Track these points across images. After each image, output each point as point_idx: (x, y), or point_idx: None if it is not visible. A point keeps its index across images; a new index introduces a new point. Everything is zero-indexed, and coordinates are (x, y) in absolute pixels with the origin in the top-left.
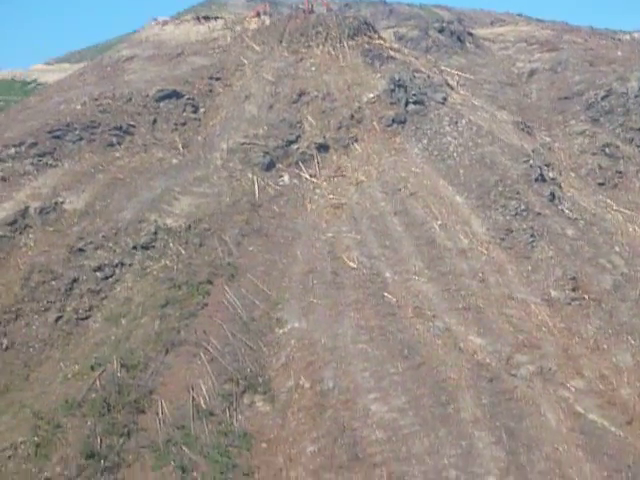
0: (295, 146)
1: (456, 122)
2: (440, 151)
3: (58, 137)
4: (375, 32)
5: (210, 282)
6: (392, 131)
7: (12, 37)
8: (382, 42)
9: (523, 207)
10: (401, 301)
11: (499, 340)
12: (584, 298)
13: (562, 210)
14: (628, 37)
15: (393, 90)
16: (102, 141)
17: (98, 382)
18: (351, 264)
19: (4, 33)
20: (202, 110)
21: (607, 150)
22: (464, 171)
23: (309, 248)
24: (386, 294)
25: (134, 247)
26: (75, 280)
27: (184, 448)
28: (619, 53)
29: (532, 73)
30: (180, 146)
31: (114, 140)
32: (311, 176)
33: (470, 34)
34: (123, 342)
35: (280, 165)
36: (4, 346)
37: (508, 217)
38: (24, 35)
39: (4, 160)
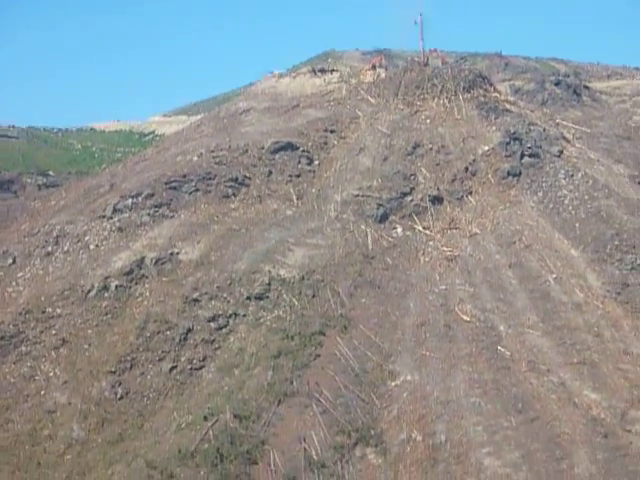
0: (409, 198)
1: (572, 175)
2: (555, 204)
3: (174, 188)
4: (491, 85)
5: (322, 333)
6: (507, 184)
7: (131, 89)
8: (498, 95)
9: (639, 261)
10: (515, 355)
11: (614, 395)
12: None
13: None
14: None
15: (508, 143)
16: (218, 192)
17: (211, 432)
18: (464, 317)
19: (123, 84)
20: (317, 162)
21: None
22: (580, 224)
23: (422, 300)
24: (500, 347)
25: (248, 298)
26: (189, 330)
27: None
28: None
29: None
30: (294, 198)
31: (229, 191)
32: (425, 228)
33: (586, 87)
34: (236, 392)
35: (394, 217)
36: (119, 395)
37: (624, 271)
38: (143, 87)
39: (121, 211)
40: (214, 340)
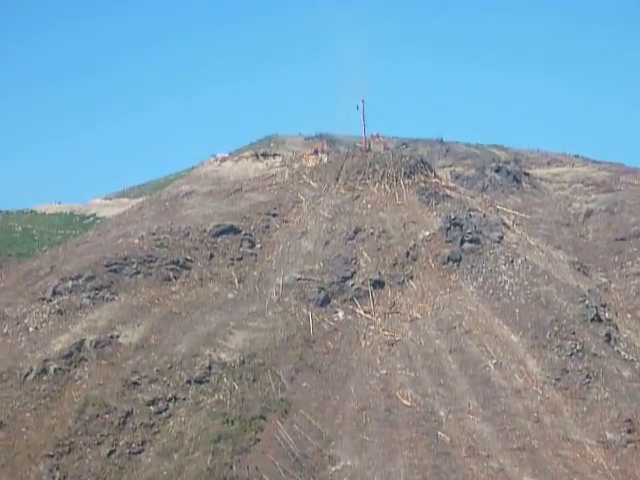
0: (350, 282)
1: (512, 261)
2: (495, 290)
3: (115, 271)
4: (431, 171)
5: (263, 417)
6: (447, 269)
7: (72, 171)
8: (438, 181)
9: (579, 347)
10: (455, 440)
11: None
12: (639, 440)
13: (618, 351)
14: None
15: (449, 228)
16: (159, 275)
17: None
18: (405, 402)
19: (65, 167)
20: (259, 245)
21: None
22: (519, 310)
23: (363, 385)
24: (440, 433)
25: (188, 381)
26: (129, 414)
27: None
28: None
29: (588, 214)
30: (236, 281)
31: (171, 274)
32: (366, 312)
33: (527, 174)
34: (175, 477)
35: (335, 301)
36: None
37: (564, 357)
38: (84, 169)
39: (61, 293)
40: (153, 424)
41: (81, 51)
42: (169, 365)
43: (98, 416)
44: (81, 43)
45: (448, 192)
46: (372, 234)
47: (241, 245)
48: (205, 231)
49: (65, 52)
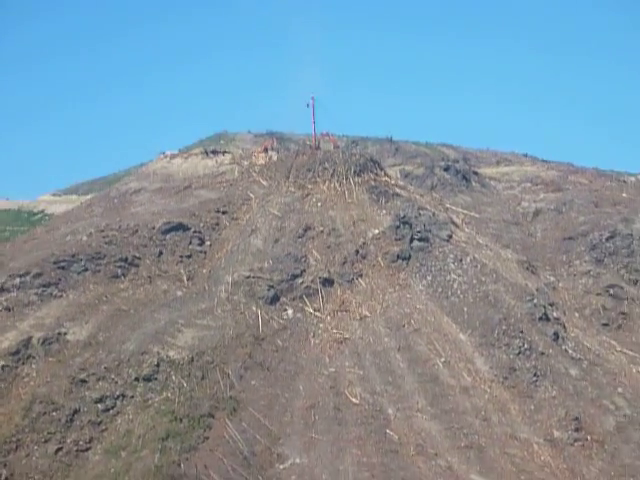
0: (300, 280)
1: (461, 260)
2: (444, 288)
3: (63, 268)
4: (381, 169)
5: (212, 415)
6: (397, 267)
7: (20, 167)
8: (388, 179)
9: (527, 346)
10: (403, 438)
11: None
12: (587, 439)
13: (566, 350)
14: (633, 179)
15: (398, 227)
16: (107, 272)
17: None
18: (354, 400)
19: (11, 163)
20: (208, 243)
21: (611, 291)
22: (468, 309)
23: (312, 383)
24: (388, 431)
25: (136, 379)
26: (76, 411)
27: None
28: (624, 195)
29: (537, 213)
30: (185, 278)
31: (119, 272)
32: (315, 310)
33: (475, 173)
34: (122, 475)
35: (284, 299)
36: (3, 477)
37: (511, 356)
38: (31, 166)
39: (8, 290)
40: (101, 422)
41: (32, 43)
42: (117, 363)
43: (45, 413)
44: (30, 37)
45: (398, 191)
46: (322, 232)
47: (190, 242)
48: (154, 228)
49: (14, 43)
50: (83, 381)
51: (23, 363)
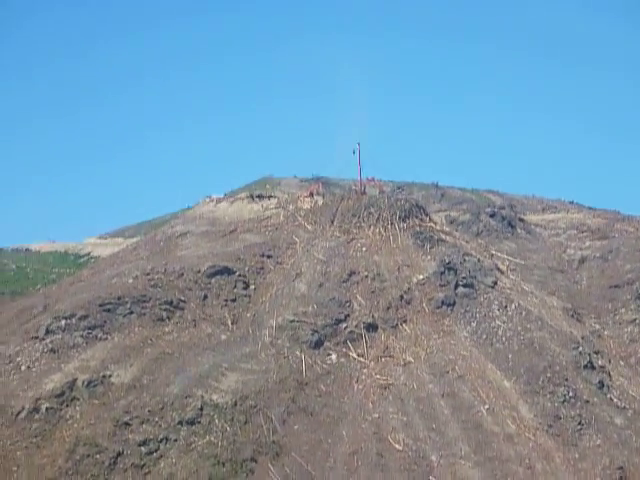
0: (344, 325)
1: (505, 306)
2: (489, 335)
3: (109, 310)
4: (426, 215)
5: (254, 460)
6: (441, 313)
7: (67, 209)
8: (433, 225)
9: (571, 394)
10: None
11: None
12: None
13: (611, 398)
14: None
15: (443, 272)
16: (152, 315)
17: None
18: (397, 446)
19: (59, 205)
20: (252, 287)
21: None
22: (512, 356)
23: (355, 428)
24: (432, 478)
25: (179, 422)
26: (120, 454)
27: None
28: None
29: (583, 260)
30: (229, 322)
31: (164, 315)
32: (359, 355)
33: (521, 220)
34: None
35: (328, 344)
36: None
37: (556, 404)
38: (78, 208)
39: (54, 332)
40: (144, 465)
41: (73, 91)
42: (161, 406)
43: (89, 456)
44: (66, 82)
45: (443, 236)
46: (366, 277)
47: (235, 286)
48: (199, 272)
49: (60, 93)
50: (127, 424)
51: (67, 405)
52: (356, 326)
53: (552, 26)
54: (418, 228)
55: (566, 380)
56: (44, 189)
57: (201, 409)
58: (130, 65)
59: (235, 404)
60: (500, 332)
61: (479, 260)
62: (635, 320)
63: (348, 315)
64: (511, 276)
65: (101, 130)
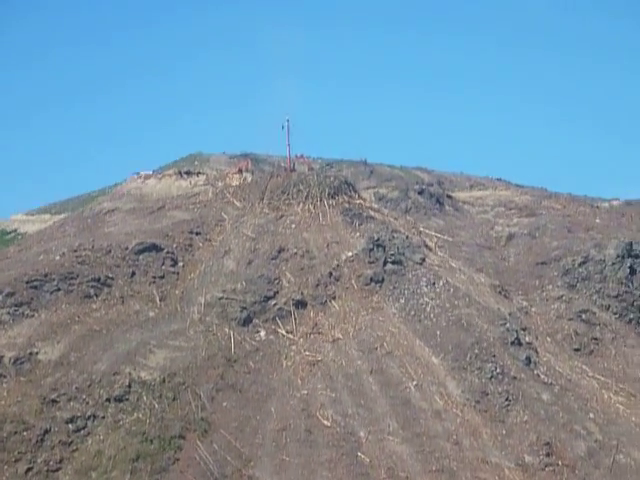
0: (273, 302)
1: (434, 283)
2: (417, 311)
3: (36, 287)
4: (355, 192)
5: (182, 437)
6: (370, 290)
7: None
8: (362, 202)
9: (499, 370)
10: (375, 461)
11: None
12: (558, 464)
13: (538, 375)
14: (606, 205)
15: (372, 249)
16: (79, 292)
17: None
18: (325, 422)
19: None
20: (181, 264)
21: (583, 316)
22: (440, 332)
23: (283, 405)
24: (360, 454)
25: (107, 399)
26: (47, 431)
27: None
28: (597, 220)
29: (510, 237)
30: (157, 299)
31: (92, 292)
32: (288, 332)
33: (449, 197)
34: None
35: (257, 320)
36: None
37: (484, 380)
38: (5, 184)
39: None
40: (72, 442)
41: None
42: (88, 383)
43: (16, 433)
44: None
45: (372, 213)
46: (295, 254)
47: (163, 263)
48: (127, 249)
49: None
50: (54, 401)
51: None
52: (285, 303)
53: None
54: (347, 205)
55: (493, 356)
56: None
57: (129, 386)
58: (58, 34)
59: (163, 381)
60: (428, 309)
61: (407, 237)
62: (562, 297)
63: (277, 292)
64: (439, 253)
65: (29, 102)
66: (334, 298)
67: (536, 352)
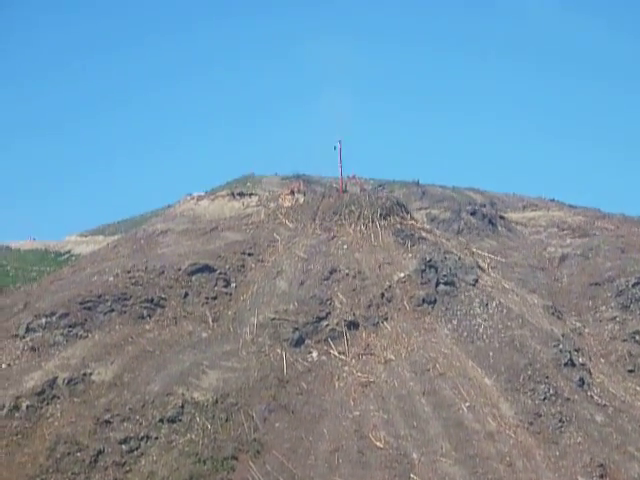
0: (325, 323)
1: (486, 304)
2: (470, 332)
3: (89, 308)
4: (407, 213)
5: (235, 458)
6: (422, 311)
7: (47, 208)
8: (414, 223)
9: (552, 392)
10: None
11: None
12: None
13: (591, 396)
14: None
15: (424, 270)
16: (133, 313)
17: None
18: (378, 444)
19: (39, 204)
20: (233, 285)
21: (637, 337)
22: (493, 353)
23: (336, 426)
24: (412, 475)
25: (160, 420)
26: (100, 452)
27: None
28: None
29: (563, 258)
30: (210, 320)
31: (145, 312)
32: (340, 353)
33: (502, 217)
34: None
35: (309, 341)
36: None
37: (537, 401)
38: (59, 206)
39: (35, 330)
40: (125, 463)
41: (57, 94)
42: (142, 404)
43: (69, 454)
44: (58, 87)
45: (424, 234)
46: (347, 275)
47: (216, 284)
48: (180, 269)
49: (40, 97)
50: (107, 422)
51: (48, 403)
52: (337, 324)
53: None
54: (399, 226)
55: (547, 378)
56: (25, 187)
57: (182, 407)
58: (118, 68)
59: (216, 402)
60: (481, 330)
61: (460, 258)
62: (615, 318)
63: (329, 313)
64: (492, 274)
65: (83, 128)
66: (386, 319)
67: (589, 373)
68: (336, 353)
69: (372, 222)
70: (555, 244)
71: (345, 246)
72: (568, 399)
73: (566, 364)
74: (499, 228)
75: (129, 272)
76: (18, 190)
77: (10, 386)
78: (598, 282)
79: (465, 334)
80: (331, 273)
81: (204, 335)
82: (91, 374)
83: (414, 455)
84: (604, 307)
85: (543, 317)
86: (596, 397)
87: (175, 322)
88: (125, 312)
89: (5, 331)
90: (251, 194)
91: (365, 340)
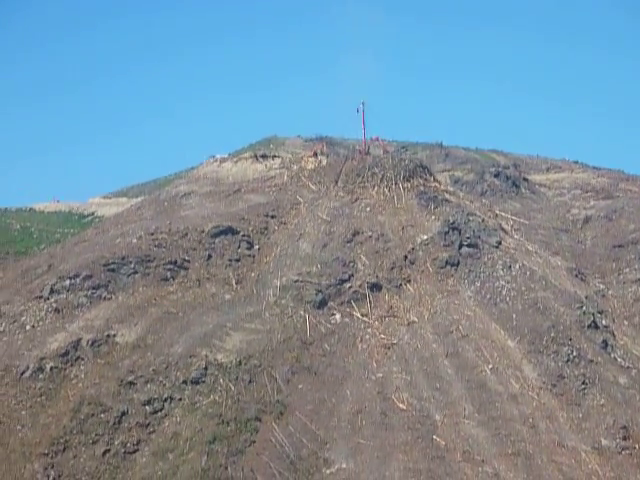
0: (348, 285)
1: (509, 266)
2: (493, 295)
3: (113, 270)
4: (431, 175)
5: (258, 419)
6: (445, 273)
7: (71, 170)
8: (437, 185)
9: (575, 354)
10: (450, 444)
11: None
12: (635, 447)
13: (614, 358)
14: None
15: (447, 232)
16: (156, 275)
17: None
18: (401, 405)
19: (63, 166)
20: (257, 247)
21: None
22: (516, 315)
23: (359, 388)
24: (435, 437)
25: (184, 382)
26: (124, 413)
27: None
28: None
29: (587, 220)
30: (233, 282)
31: (168, 274)
32: (363, 315)
33: (526, 179)
34: (169, 477)
35: (332, 303)
36: (51, 478)
37: (560, 363)
38: (83, 168)
39: (58, 292)
40: (149, 424)
41: (83, 56)
42: (165, 365)
43: (93, 415)
44: (84, 49)
45: (447, 196)
46: (370, 237)
47: (239, 246)
48: (203, 232)
49: (67, 58)
50: (131, 383)
51: (72, 365)
52: (360, 286)
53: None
54: (422, 188)
55: (570, 340)
56: (48, 149)
57: (205, 369)
58: (142, 33)
59: (239, 363)
60: (504, 292)
61: (483, 220)
62: (639, 280)
63: (352, 275)
64: (515, 236)
65: (108, 93)
66: (409, 281)
67: (613, 335)
68: (359, 315)
69: (395, 184)
70: (579, 206)
71: (368, 208)
72: (591, 361)
73: (589, 326)
74: (522, 190)
75: (152, 234)
76: (41, 152)
77: (34, 347)
78: (622, 244)
79: (488, 296)
80: (354, 235)
81: (227, 297)
82: (115, 336)
83: (437, 417)
84: (627, 269)
85: (566, 279)
86: (619, 359)
87: (198, 284)
88: (148, 274)
89: (29, 293)
90: (274, 156)
91: (388, 302)
